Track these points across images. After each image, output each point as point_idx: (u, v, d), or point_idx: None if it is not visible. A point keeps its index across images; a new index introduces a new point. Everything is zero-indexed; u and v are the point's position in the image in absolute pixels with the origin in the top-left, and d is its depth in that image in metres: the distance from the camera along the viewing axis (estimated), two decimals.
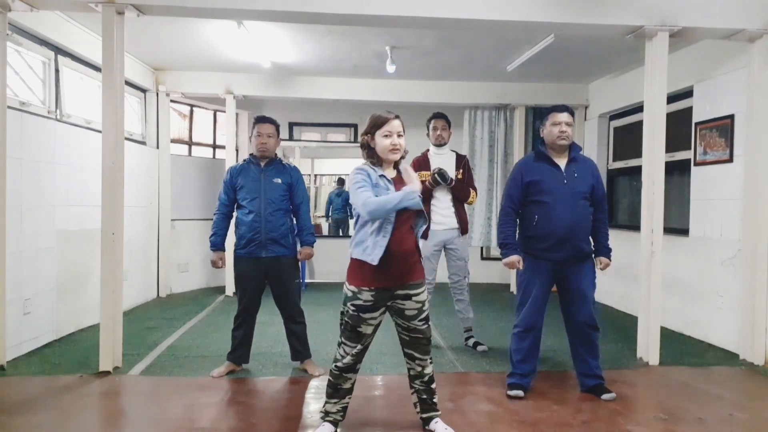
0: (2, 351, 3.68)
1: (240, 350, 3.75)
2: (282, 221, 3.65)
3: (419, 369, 2.75)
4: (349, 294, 2.60)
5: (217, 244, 3.76)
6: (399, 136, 2.60)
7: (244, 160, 3.79)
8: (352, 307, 2.59)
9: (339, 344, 2.69)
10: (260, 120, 3.71)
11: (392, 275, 2.58)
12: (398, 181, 2.62)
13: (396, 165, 2.69)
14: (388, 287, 2.59)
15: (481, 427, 2.89)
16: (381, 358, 3.95)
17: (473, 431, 2.84)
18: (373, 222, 2.54)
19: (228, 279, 6.59)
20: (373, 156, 2.63)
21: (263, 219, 3.60)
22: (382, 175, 2.59)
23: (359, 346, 2.64)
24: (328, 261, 7.67)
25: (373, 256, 2.53)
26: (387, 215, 2.50)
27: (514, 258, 3.26)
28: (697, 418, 3.05)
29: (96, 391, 3.40)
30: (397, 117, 2.62)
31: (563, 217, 3.19)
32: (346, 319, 2.63)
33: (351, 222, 7.90)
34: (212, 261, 3.79)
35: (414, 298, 2.65)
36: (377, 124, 2.60)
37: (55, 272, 4.42)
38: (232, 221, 3.75)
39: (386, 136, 2.58)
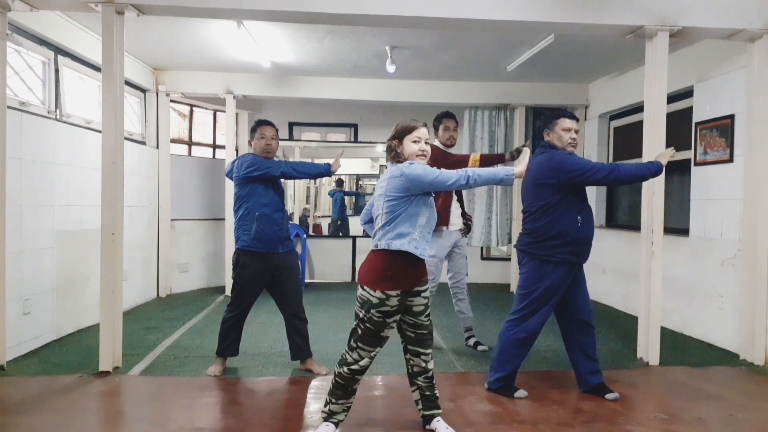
0: (2, 351, 3.68)
1: (233, 345, 3.76)
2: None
3: (424, 365, 2.76)
4: (375, 301, 2.56)
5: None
6: (426, 143, 2.69)
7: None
8: (378, 314, 2.57)
9: (352, 348, 2.65)
10: (264, 123, 3.76)
11: (416, 275, 2.64)
12: None
13: None
14: (410, 289, 2.63)
15: (482, 427, 2.89)
16: (381, 358, 3.94)
17: (473, 431, 2.84)
18: (422, 214, 2.60)
19: (228, 279, 6.60)
20: (398, 160, 2.68)
21: (284, 216, 3.75)
22: None
23: (378, 348, 2.66)
24: (328, 261, 7.67)
25: (422, 250, 2.59)
26: (481, 185, 2.65)
27: (666, 150, 3.40)
28: (697, 418, 3.05)
29: (96, 392, 3.40)
30: (425, 125, 2.73)
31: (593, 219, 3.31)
32: (368, 325, 2.60)
33: (354, 222, 7.92)
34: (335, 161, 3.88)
35: (422, 295, 2.72)
36: (407, 129, 2.68)
37: (54, 272, 4.41)
38: (247, 218, 3.66)
39: (415, 141, 2.67)
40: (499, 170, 2.62)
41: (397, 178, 2.58)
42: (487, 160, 4.37)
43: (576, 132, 3.30)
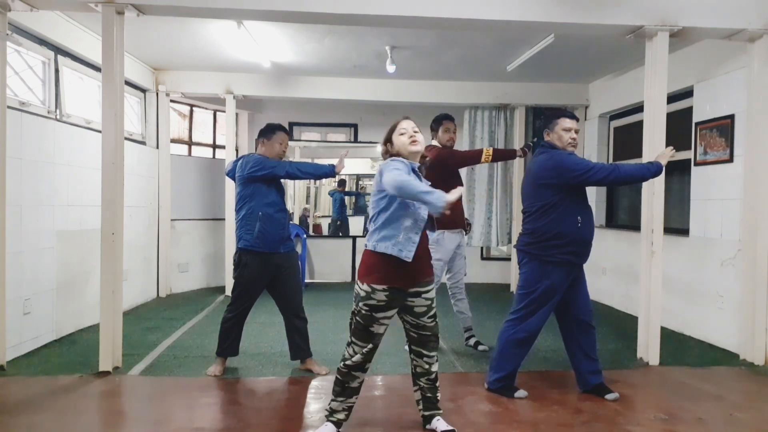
0: (2, 351, 3.68)
1: (234, 345, 3.77)
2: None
3: (426, 367, 2.76)
4: (362, 294, 2.59)
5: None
6: (415, 131, 2.69)
7: None
8: (365, 307, 2.59)
9: (348, 343, 2.68)
10: (283, 129, 3.80)
11: (409, 275, 2.62)
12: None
13: (422, 164, 2.73)
14: (403, 288, 2.62)
15: (482, 428, 2.89)
16: (381, 358, 3.94)
17: (473, 431, 2.84)
18: (406, 217, 2.58)
19: (228, 279, 6.60)
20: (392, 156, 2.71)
21: (286, 216, 3.75)
22: (413, 169, 2.62)
23: (370, 345, 2.65)
24: (328, 261, 7.67)
25: (407, 253, 2.56)
26: (409, 198, 2.47)
27: (666, 150, 3.38)
28: (697, 418, 3.05)
29: (96, 392, 3.40)
30: (407, 117, 2.75)
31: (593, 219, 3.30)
32: (357, 318, 2.63)
33: (354, 222, 7.92)
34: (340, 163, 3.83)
35: (424, 296, 2.68)
36: (391, 129, 2.73)
37: (54, 272, 4.41)
38: (250, 218, 3.66)
39: (401, 134, 2.68)
40: (429, 190, 2.37)
41: (379, 174, 2.62)
42: (499, 155, 4.41)
43: (576, 132, 3.29)
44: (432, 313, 2.73)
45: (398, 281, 2.60)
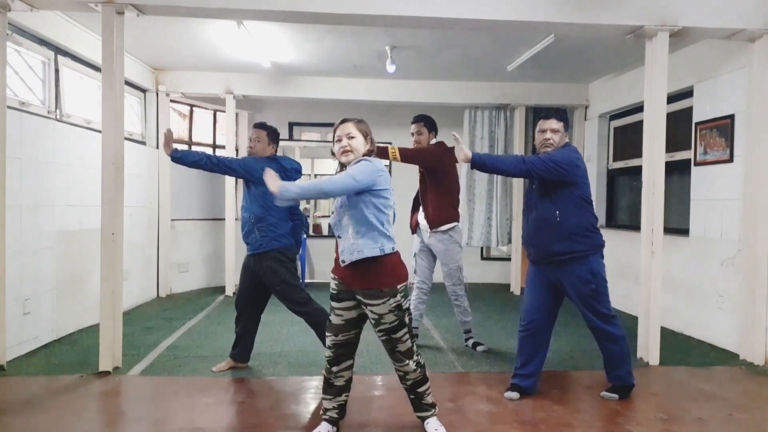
0: (2, 351, 3.68)
1: (237, 347, 3.79)
2: (257, 216, 3.61)
3: (401, 373, 2.73)
4: None
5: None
6: (350, 138, 2.55)
7: None
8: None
9: None
10: (255, 126, 3.81)
11: (339, 269, 2.66)
12: None
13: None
14: (342, 281, 2.64)
15: (482, 428, 2.89)
16: (381, 358, 3.95)
17: (473, 431, 2.84)
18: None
19: (227, 279, 6.61)
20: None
21: (248, 216, 3.65)
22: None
23: (332, 337, 2.68)
24: (328, 261, 7.66)
25: (341, 253, 2.67)
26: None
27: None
28: (697, 418, 3.05)
29: (96, 392, 3.40)
30: (346, 120, 2.58)
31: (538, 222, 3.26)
32: None
33: None
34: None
35: (369, 308, 2.58)
36: (333, 131, 2.61)
37: (54, 272, 4.41)
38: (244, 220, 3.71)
39: (337, 140, 2.57)
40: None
41: None
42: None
43: (552, 132, 3.19)
44: (382, 328, 2.58)
45: (336, 271, 2.67)
